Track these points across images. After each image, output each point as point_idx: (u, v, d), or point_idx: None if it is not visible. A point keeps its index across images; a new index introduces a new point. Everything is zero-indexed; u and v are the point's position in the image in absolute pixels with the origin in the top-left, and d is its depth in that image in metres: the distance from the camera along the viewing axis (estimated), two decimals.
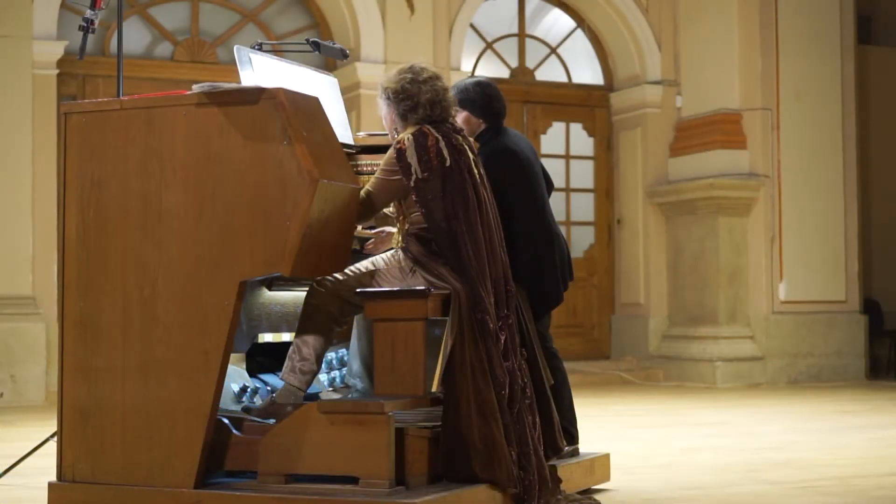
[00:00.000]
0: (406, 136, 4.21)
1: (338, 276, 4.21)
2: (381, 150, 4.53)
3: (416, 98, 4.26)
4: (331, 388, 4.66)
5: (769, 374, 10.99)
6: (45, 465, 4.82)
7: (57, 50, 9.42)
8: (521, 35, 11.83)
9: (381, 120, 4.42)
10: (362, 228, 4.57)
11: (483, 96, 4.91)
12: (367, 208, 4.21)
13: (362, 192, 4.20)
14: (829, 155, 11.24)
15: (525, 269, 4.73)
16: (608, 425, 7.58)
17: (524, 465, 4.08)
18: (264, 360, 4.67)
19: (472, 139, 4.63)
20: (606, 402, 9.33)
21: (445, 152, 4.20)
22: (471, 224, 4.18)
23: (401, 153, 4.17)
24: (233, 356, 4.29)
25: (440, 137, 4.22)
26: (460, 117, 4.81)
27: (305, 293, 4.29)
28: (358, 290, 4.17)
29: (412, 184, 4.15)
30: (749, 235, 11.03)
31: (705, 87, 11.36)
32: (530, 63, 11.82)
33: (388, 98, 4.33)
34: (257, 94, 3.88)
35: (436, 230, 4.16)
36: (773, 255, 11.02)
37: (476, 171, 4.30)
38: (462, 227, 4.15)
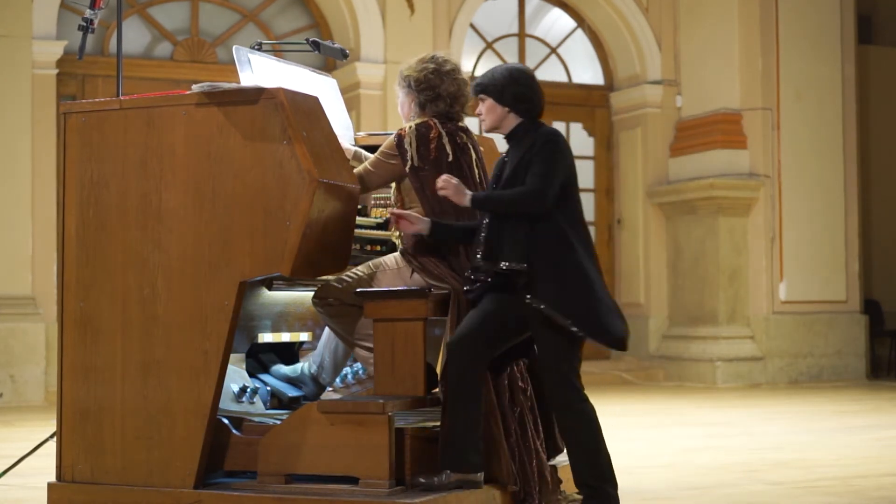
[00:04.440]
0: (409, 125, 4.24)
1: (338, 284, 4.22)
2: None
3: (438, 90, 4.27)
4: (331, 388, 4.65)
5: (769, 374, 10.99)
6: (45, 465, 4.82)
7: (56, 50, 9.42)
8: (521, 35, 11.83)
9: (398, 108, 4.40)
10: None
11: (510, 82, 4.07)
12: (362, 185, 4.17)
13: (359, 169, 4.23)
14: (829, 155, 11.24)
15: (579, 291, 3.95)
16: (608, 425, 7.55)
17: (525, 465, 4.07)
18: (264, 359, 4.66)
19: (501, 134, 4.17)
20: (606, 402, 9.32)
21: (448, 148, 4.21)
22: (465, 219, 4.18)
23: (400, 139, 4.21)
24: (233, 356, 4.29)
25: (444, 133, 4.23)
26: (484, 106, 4.13)
27: (313, 305, 4.29)
28: (358, 290, 4.18)
29: (408, 169, 4.18)
30: (749, 235, 11.03)
31: (705, 87, 11.36)
32: (530, 63, 11.81)
33: (409, 86, 4.32)
34: (257, 93, 3.87)
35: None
36: (773, 255, 11.02)
37: (477, 171, 4.30)
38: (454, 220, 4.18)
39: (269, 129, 3.83)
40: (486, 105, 4.09)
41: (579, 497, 4.32)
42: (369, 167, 4.26)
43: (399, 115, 4.47)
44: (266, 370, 4.63)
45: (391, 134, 4.36)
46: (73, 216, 4.13)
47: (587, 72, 12.18)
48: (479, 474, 3.94)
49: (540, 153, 3.96)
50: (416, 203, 4.23)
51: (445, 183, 4.02)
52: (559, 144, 3.99)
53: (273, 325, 4.60)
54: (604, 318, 3.90)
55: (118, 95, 4.61)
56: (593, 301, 3.90)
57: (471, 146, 4.33)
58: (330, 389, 4.65)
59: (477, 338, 3.93)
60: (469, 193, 4.01)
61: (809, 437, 6.82)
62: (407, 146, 4.19)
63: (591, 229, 11.89)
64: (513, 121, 4.09)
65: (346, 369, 4.74)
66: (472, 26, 11.28)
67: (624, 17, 11.62)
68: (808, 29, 11.20)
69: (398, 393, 4.05)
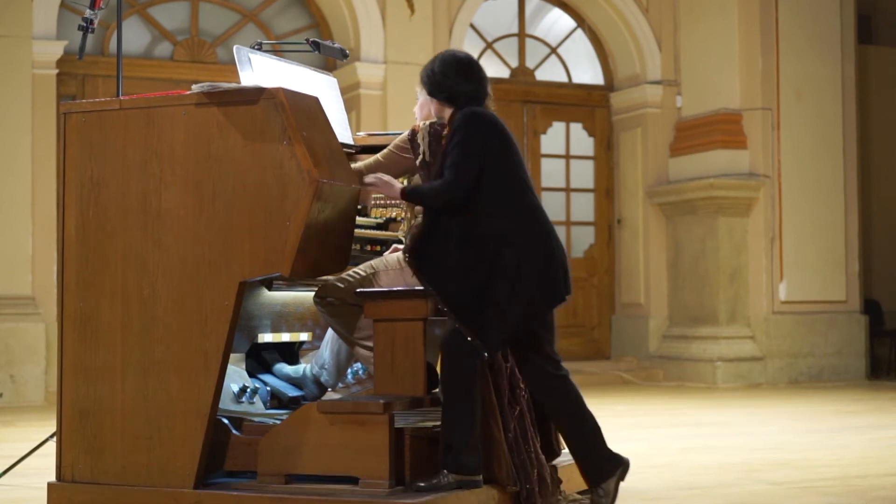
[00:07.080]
0: (424, 123, 4.25)
1: (339, 284, 4.22)
2: (381, 150, 4.54)
3: None
4: (331, 390, 4.65)
5: (769, 374, 10.99)
6: (45, 465, 4.82)
7: (56, 50, 9.42)
8: (521, 35, 11.83)
9: (418, 109, 4.38)
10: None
11: (433, 72, 4.14)
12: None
13: (369, 161, 4.29)
14: (829, 155, 11.24)
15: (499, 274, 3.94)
16: (608, 425, 7.54)
17: (525, 465, 4.08)
18: (264, 359, 4.66)
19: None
20: (607, 402, 9.32)
21: None
22: None
23: (413, 134, 4.25)
24: (233, 356, 4.29)
25: None
26: (420, 101, 4.28)
27: (315, 304, 4.29)
28: (358, 290, 4.18)
29: (418, 163, 4.20)
30: (749, 235, 11.02)
31: (705, 87, 11.36)
32: (530, 63, 11.82)
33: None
34: (257, 94, 3.88)
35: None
36: (773, 255, 11.02)
37: None
38: None
39: (269, 130, 3.83)
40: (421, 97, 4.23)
41: (579, 497, 4.33)
42: (381, 159, 4.32)
43: (411, 114, 4.47)
44: (268, 369, 4.64)
45: (391, 134, 4.37)
46: (73, 216, 4.13)
47: (587, 72, 12.18)
48: (477, 476, 3.93)
49: (451, 141, 4.00)
50: None
51: (375, 178, 4.10)
52: (468, 128, 3.99)
53: (273, 325, 4.60)
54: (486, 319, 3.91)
55: (118, 95, 4.61)
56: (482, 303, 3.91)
57: None
58: (330, 391, 4.65)
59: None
60: (400, 186, 4.08)
61: (809, 437, 6.82)
62: (419, 141, 4.21)
63: (591, 229, 11.90)
64: (448, 111, 4.12)
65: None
66: (472, 26, 11.28)
67: (624, 17, 11.62)
68: (808, 29, 11.20)
69: (398, 393, 4.05)
